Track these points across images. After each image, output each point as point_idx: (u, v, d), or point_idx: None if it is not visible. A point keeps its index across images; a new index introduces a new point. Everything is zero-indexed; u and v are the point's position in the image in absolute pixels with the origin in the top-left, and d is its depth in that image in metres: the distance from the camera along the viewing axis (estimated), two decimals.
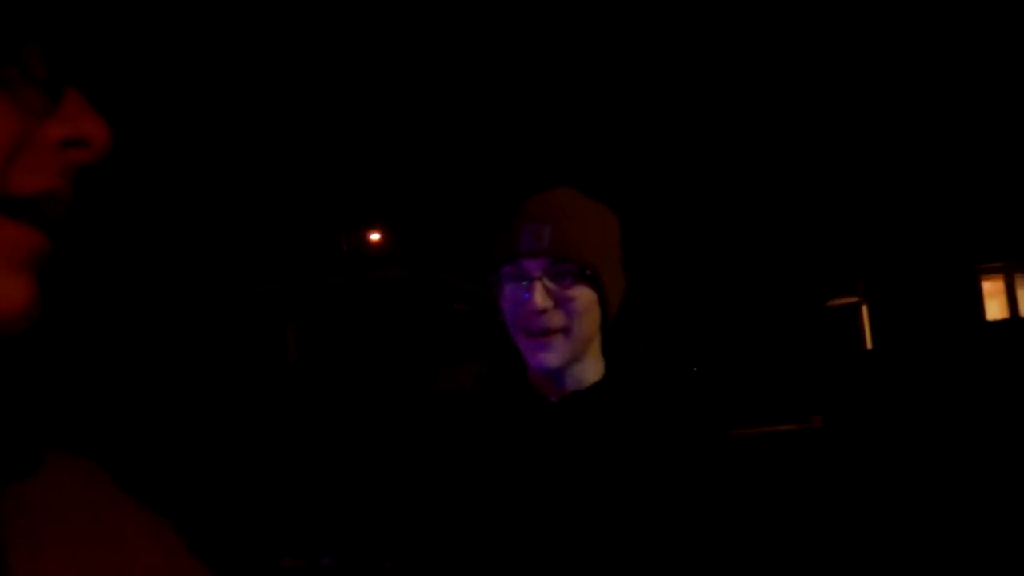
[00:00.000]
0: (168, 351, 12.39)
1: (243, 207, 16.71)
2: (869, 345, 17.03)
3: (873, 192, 17.01)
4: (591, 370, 1.30)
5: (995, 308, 15.56)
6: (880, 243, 16.63)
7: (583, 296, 1.24)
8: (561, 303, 1.22)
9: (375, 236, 20.85)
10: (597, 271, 1.25)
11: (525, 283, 1.23)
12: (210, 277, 13.99)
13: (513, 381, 1.34)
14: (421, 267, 15.11)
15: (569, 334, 1.23)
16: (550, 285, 1.22)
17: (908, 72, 16.00)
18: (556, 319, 1.22)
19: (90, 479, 0.54)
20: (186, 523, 0.63)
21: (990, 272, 15.64)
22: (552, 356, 1.23)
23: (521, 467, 1.22)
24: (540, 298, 1.21)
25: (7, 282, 0.42)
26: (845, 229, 17.29)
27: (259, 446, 10.85)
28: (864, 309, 17.33)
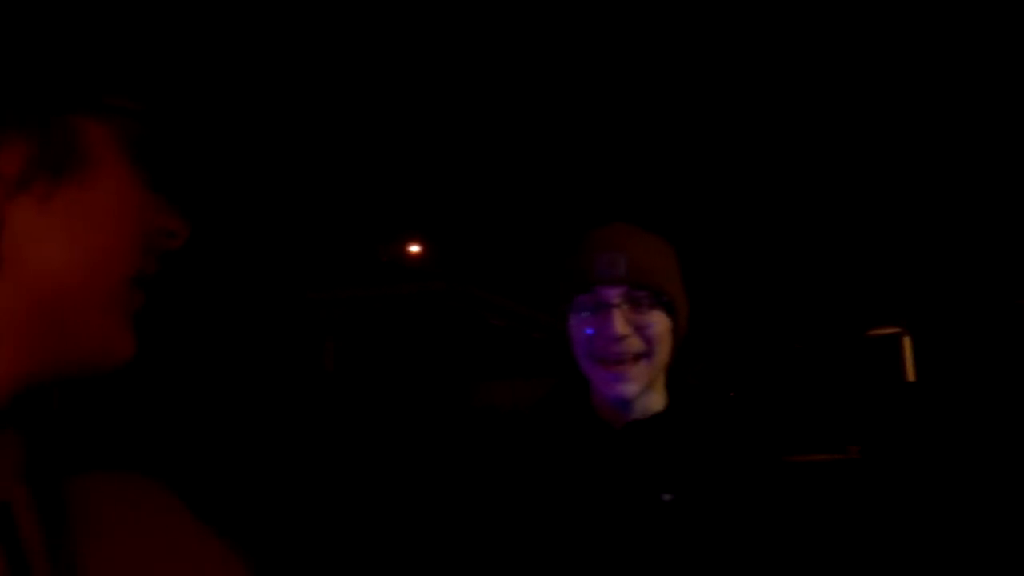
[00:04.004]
0: (212, 363, 12.53)
1: (284, 219, 16.87)
2: (911, 376, 16.77)
3: (917, 221, 16.80)
4: (656, 400, 1.29)
5: None
6: (923, 273, 16.41)
7: (660, 322, 1.23)
8: (639, 329, 1.22)
9: (414, 248, 20.95)
10: (672, 297, 1.25)
11: (603, 311, 1.22)
12: (250, 288, 14.14)
13: (575, 406, 1.33)
14: (459, 281, 15.15)
15: (650, 360, 1.22)
16: (628, 312, 1.22)
17: (957, 104, 15.82)
18: (635, 345, 1.21)
19: (159, 499, 0.56)
20: (241, 542, 0.64)
21: None
22: (632, 386, 1.22)
23: (582, 493, 1.21)
24: (620, 325, 1.20)
25: (127, 336, 0.51)
26: (888, 258, 17.10)
27: (296, 458, 10.91)
28: (906, 340, 17.09)
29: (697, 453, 1.25)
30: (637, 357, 1.22)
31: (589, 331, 1.23)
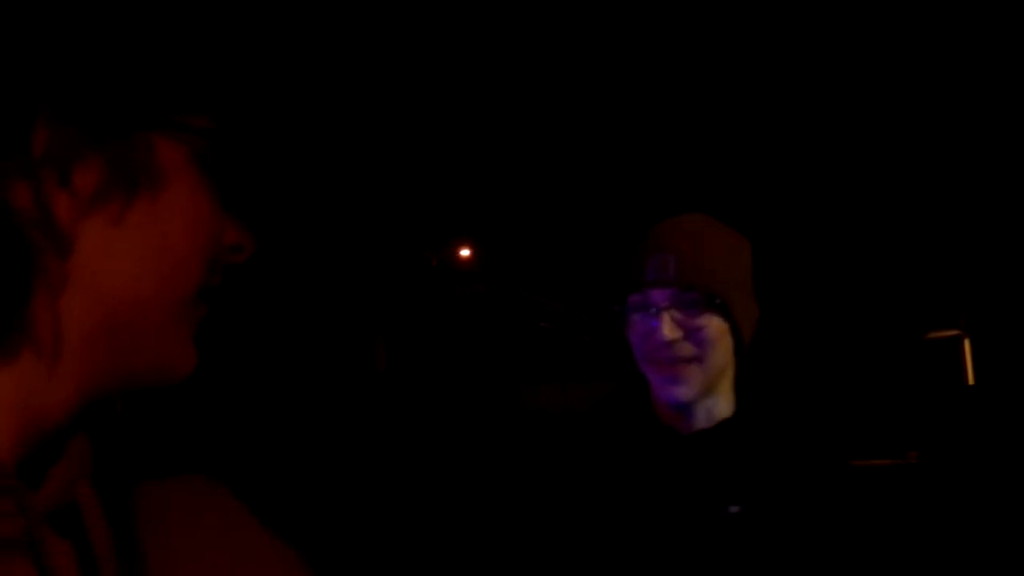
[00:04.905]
0: (265, 366, 12.69)
1: (335, 222, 17.04)
2: (971, 380, 16.43)
3: (976, 222, 16.47)
4: (722, 405, 1.24)
5: None
6: (983, 275, 16.07)
7: (712, 325, 1.19)
8: (690, 333, 1.18)
9: (464, 252, 21.02)
10: (726, 299, 1.20)
11: (652, 313, 1.20)
12: (302, 292, 14.30)
13: (637, 410, 1.28)
14: (509, 284, 15.16)
15: (701, 364, 1.18)
16: (677, 315, 1.18)
17: (1015, 107, 15.48)
18: (686, 349, 1.18)
19: (222, 502, 0.57)
20: (297, 544, 0.64)
21: None
22: (684, 389, 1.18)
23: (645, 503, 1.18)
24: (668, 329, 1.17)
25: (190, 350, 0.52)
26: (947, 260, 16.76)
27: (348, 458, 11.00)
28: (966, 343, 16.74)
29: (766, 463, 1.20)
30: (688, 360, 1.18)
31: (641, 334, 1.21)
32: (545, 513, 1.24)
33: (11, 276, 0.43)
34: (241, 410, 11.38)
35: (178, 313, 0.51)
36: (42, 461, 0.47)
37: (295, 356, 13.50)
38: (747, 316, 1.25)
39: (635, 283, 1.22)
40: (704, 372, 1.19)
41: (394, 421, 12.74)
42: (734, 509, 1.16)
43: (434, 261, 18.43)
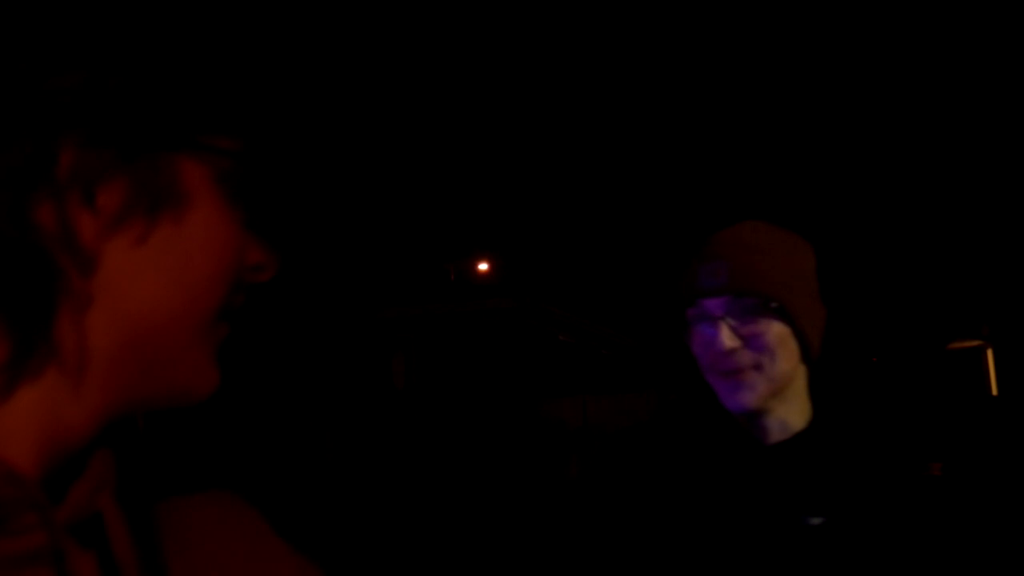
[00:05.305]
0: (282, 382, 12.72)
1: (354, 237, 17.10)
2: (994, 390, 16.28)
3: (999, 232, 16.34)
4: (796, 413, 1.20)
5: None
6: (1006, 284, 15.94)
7: (772, 330, 1.16)
8: (749, 340, 1.15)
9: (483, 266, 21.04)
10: (784, 302, 1.16)
11: (709, 324, 1.17)
12: (320, 307, 14.34)
13: (715, 417, 1.24)
14: (527, 298, 15.17)
15: (762, 370, 1.15)
16: (734, 323, 1.15)
17: None
18: (746, 357, 1.15)
19: (244, 518, 0.58)
20: (317, 560, 0.64)
21: None
22: (748, 395, 1.14)
23: (727, 514, 1.14)
24: (726, 338, 1.14)
25: (212, 370, 0.52)
26: (969, 270, 16.65)
27: (366, 474, 11.00)
28: (989, 353, 16.61)
29: (845, 474, 1.17)
30: (751, 367, 1.15)
31: (702, 344, 1.19)
32: (616, 524, 1.21)
33: (36, 295, 0.44)
34: (259, 427, 11.41)
35: (200, 333, 0.51)
36: (65, 475, 0.47)
37: (310, 373, 13.52)
38: (812, 320, 1.21)
39: (689, 295, 1.20)
40: (767, 378, 1.16)
41: (412, 439, 12.73)
42: (814, 521, 1.13)
43: (452, 275, 18.47)
